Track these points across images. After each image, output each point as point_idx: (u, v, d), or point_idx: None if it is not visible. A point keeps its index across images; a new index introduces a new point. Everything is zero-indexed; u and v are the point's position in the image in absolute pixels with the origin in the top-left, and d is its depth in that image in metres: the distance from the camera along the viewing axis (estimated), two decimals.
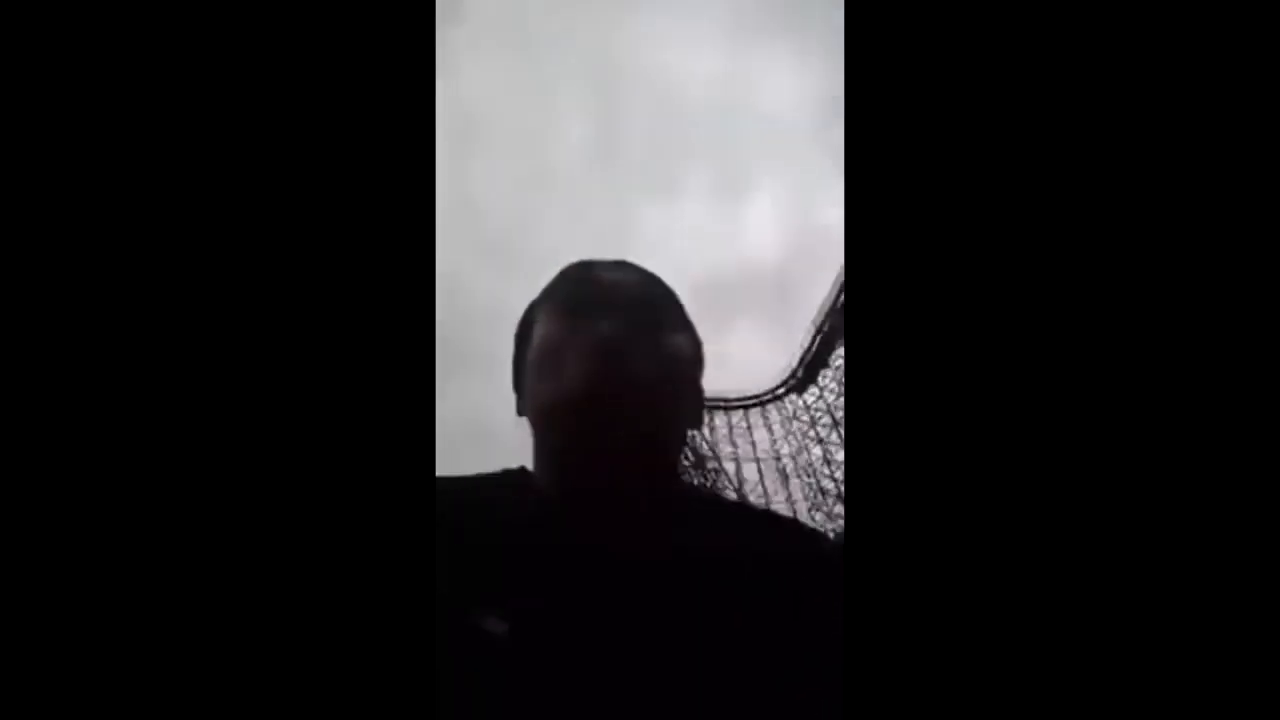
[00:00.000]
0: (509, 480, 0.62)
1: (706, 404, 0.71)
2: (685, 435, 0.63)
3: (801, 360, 19.53)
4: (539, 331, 0.62)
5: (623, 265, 0.66)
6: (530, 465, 0.62)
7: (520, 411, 0.63)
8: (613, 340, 0.56)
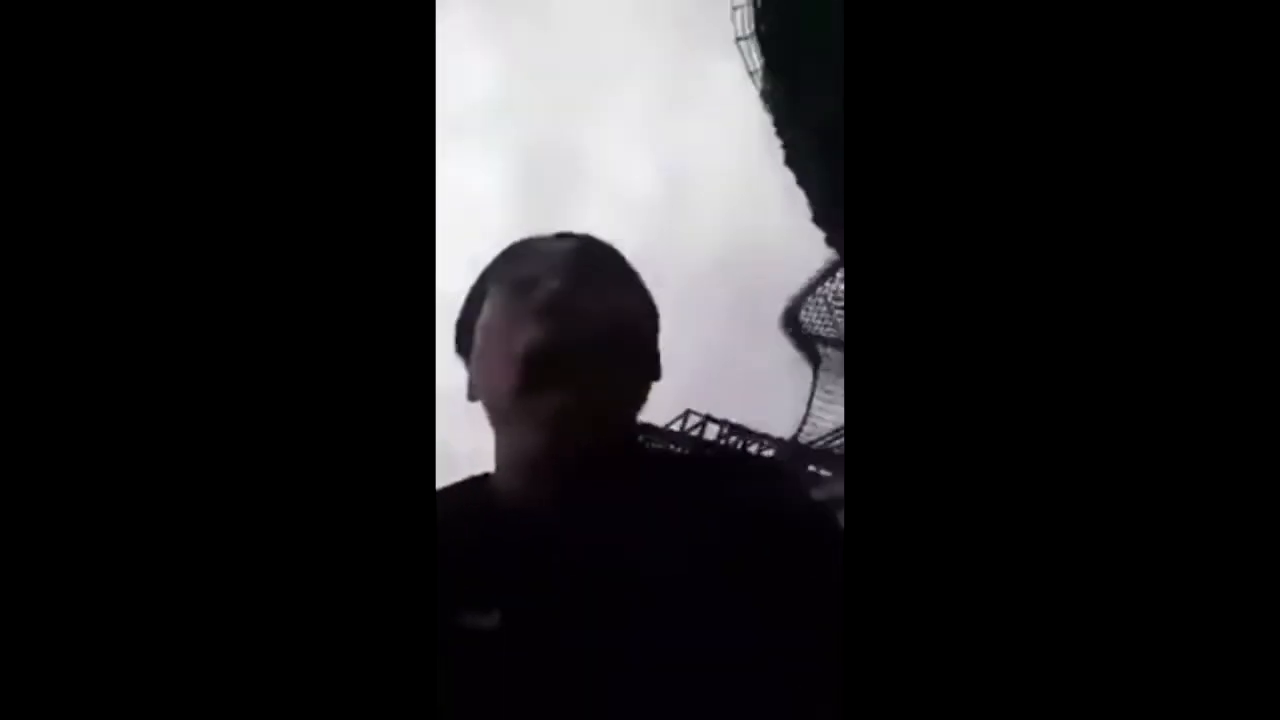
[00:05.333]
0: (470, 486, 0.59)
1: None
2: (642, 394, 0.59)
3: None
4: (483, 312, 0.60)
5: (563, 235, 0.63)
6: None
7: (471, 396, 0.61)
8: (550, 301, 0.53)
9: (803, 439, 16.22)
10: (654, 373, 0.61)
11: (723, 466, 0.61)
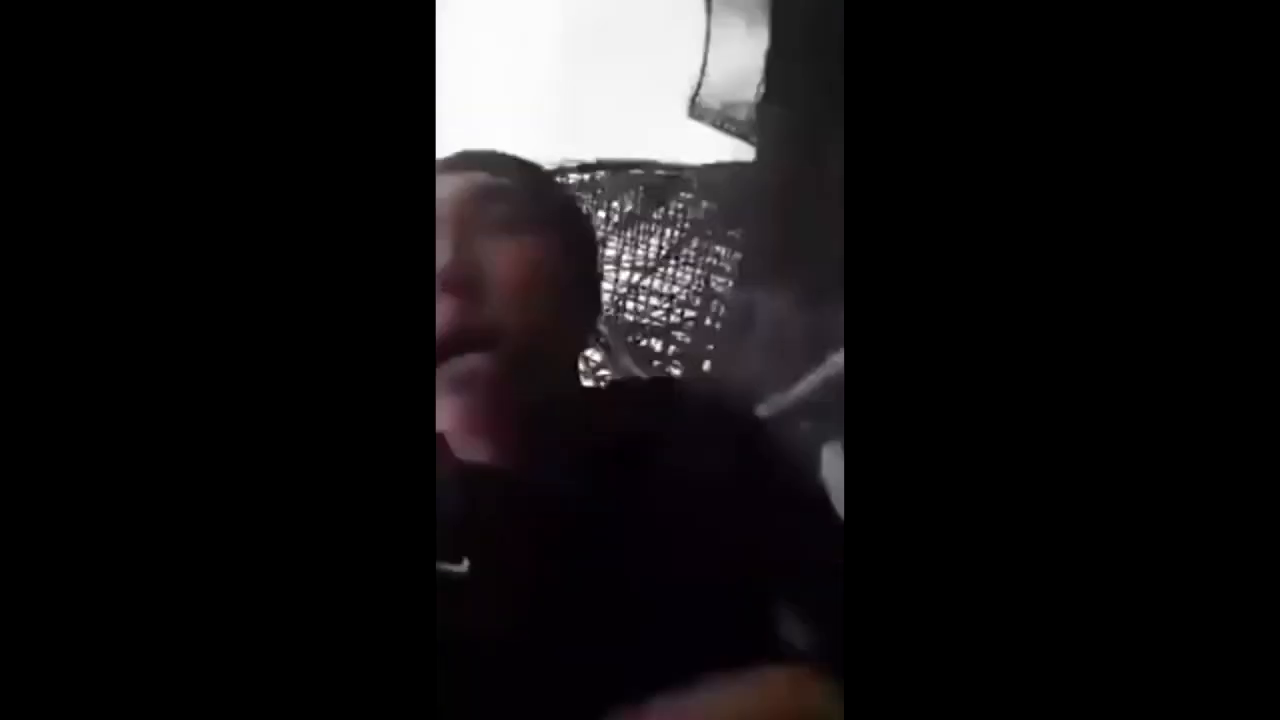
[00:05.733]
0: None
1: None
2: (582, 334, 0.57)
3: None
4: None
5: (453, 162, 0.54)
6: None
7: None
8: (444, 277, 0.48)
9: (702, 99, 13.73)
10: (595, 307, 0.59)
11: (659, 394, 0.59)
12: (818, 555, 0.46)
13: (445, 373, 0.48)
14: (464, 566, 0.48)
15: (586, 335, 0.57)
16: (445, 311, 0.47)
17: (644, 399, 0.56)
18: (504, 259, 0.50)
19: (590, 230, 0.58)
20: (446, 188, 0.51)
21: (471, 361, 0.48)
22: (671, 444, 0.51)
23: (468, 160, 0.54)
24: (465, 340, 0.48)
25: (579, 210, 0.58)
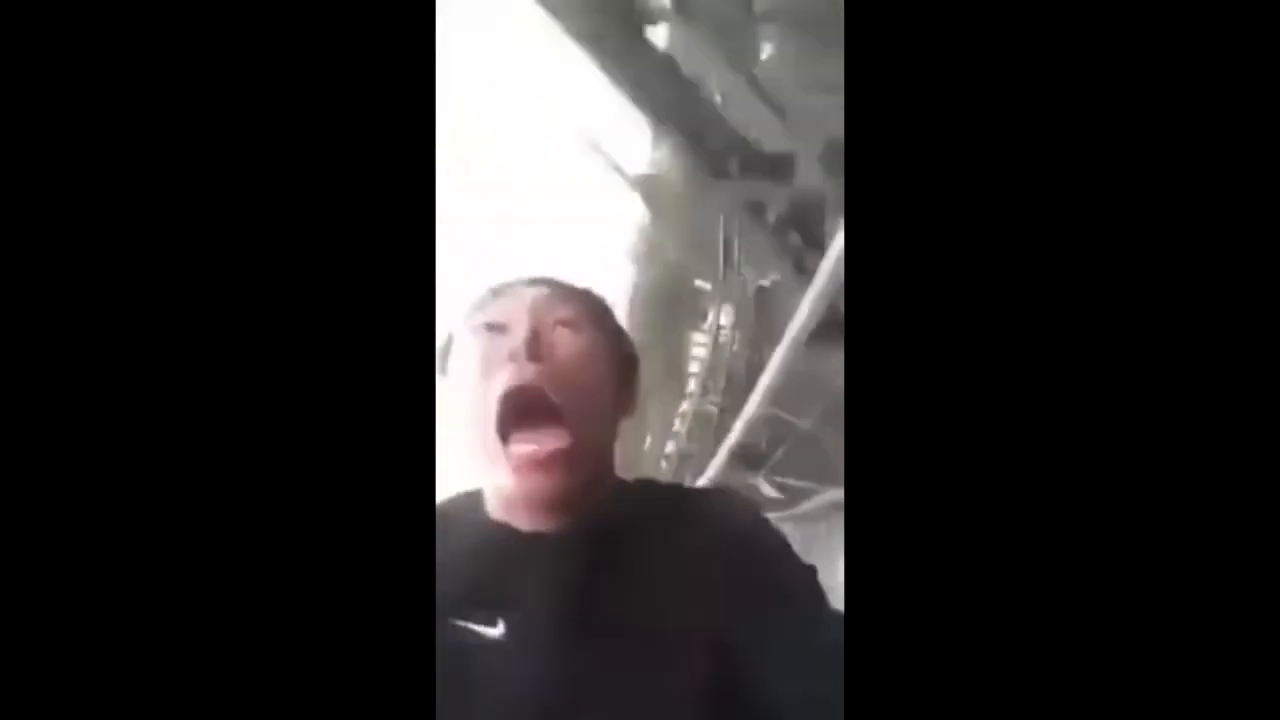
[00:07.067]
0: (463, 504, 0.61)
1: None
2: (615, 430, 0.62)
3: None
4: (462, 348, 0.60)
5: (535, 281, 0.63)
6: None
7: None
8: (521, 345, 0.55)
9: None
10: (629, 410, 0.65)
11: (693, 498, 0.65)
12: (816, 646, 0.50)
13: (520, 441, 0.54)
14: (499, 630, 0.51)
15: (617, 428, 0.64)
16: (519, 371, 0.54)
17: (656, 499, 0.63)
18: (566, 349, 0.58)
19: (632, 348, 0.66)
20: (525, 294, 0.61)
21: (531, 443, 0.54)
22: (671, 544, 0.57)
23: (541, 281, 0.63)
24: (533, 396, 0.54)
25: (624, 332, 0.66)
